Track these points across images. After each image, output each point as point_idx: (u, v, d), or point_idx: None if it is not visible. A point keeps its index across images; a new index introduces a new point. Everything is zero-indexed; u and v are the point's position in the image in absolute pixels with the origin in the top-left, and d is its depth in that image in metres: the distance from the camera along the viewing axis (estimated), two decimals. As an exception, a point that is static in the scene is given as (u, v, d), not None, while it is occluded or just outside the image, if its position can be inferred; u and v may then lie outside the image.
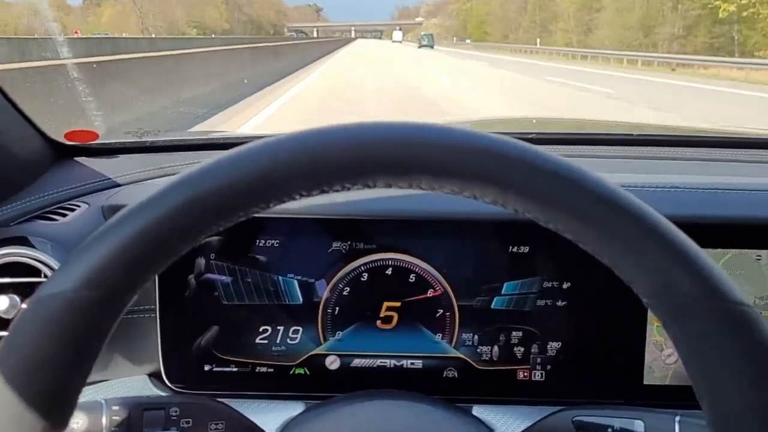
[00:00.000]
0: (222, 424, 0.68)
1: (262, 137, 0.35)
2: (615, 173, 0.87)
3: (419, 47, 56.54)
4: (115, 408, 0.63)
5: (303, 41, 36.09)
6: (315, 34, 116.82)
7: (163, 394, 0.77)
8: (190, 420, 0.66)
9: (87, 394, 0.34)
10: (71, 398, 0.33)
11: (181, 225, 0.33)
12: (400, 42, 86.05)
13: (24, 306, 0.73)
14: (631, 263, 0.33)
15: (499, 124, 1.67)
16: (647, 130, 1.29)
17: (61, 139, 1.00)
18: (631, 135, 1.12)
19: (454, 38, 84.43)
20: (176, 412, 0.66)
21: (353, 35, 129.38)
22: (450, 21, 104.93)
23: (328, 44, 42.82)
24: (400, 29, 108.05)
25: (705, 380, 0.32)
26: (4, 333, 0.75)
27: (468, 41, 66.04)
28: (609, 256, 0.34)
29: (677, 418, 0.64)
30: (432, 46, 56.55)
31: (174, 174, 0.34)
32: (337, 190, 0.34)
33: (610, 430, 0.65)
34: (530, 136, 1.06)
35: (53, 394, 0.32)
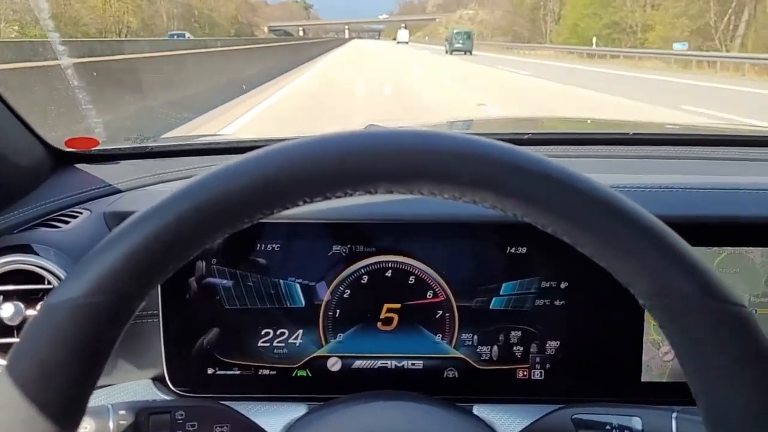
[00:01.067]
0: (227, 426, 0.69)
1: (265, 140, 0.36)
2: (609, 174, 0.88)
3: (449, 52, 37.17)
4: (122, 413, 0.64)
5: (236, 47, 16.23)
6: (301, 34, 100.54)
7: (167, 397, 0.78)
8: (195, 423, 0.67)
9: (92, 399, 0.35)
10: (81, 403, 0.34)
11: (188, 231, 0.34)
12: (407, 43, 67.84)
13: (30, 312, 0.74)
14: (627, 266, 0.34)
15: (496, 124, 1.68)
16: (642, 129, 1.30)
17: (62, 146, 1.01)
18: (627, 134, 1.13)
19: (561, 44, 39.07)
20: (182, 415, 0.67)
21: (347, 35, 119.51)
22: (495, 13, 70.28)
23: (296, 54, 22.45)
24: (405, 27, 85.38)
25: (700, 379, 0.33)
26: (8, 339, 0.75)
27: (595, 46, 32.02)
28: (606, 259, 0.35)
29: (674, 415, 0.65)
30: (470, 51, 37.17)
31: (175, 179, 0.35)
32: (339, 197, 0.35)
33: (608, 427, 0.66)
34: (525, 137, 1.07)
35: (64, 399, 0.33)
